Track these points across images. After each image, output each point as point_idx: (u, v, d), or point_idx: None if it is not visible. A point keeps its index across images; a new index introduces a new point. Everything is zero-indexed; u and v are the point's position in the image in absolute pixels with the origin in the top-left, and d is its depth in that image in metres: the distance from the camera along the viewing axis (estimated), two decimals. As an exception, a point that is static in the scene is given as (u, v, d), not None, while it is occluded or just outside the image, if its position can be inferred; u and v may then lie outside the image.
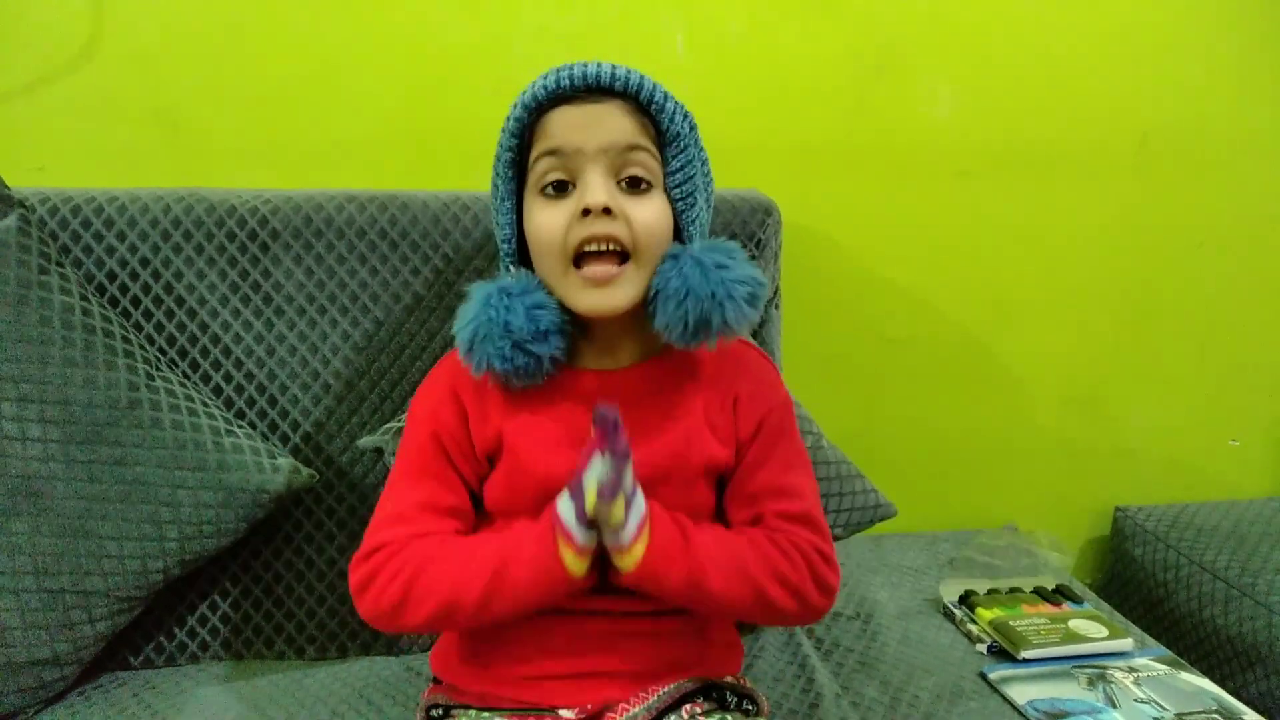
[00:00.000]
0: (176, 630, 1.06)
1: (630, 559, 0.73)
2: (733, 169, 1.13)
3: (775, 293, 1.24)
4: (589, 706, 0.80)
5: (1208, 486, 1.61)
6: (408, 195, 1.12)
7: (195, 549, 0.98)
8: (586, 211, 0.74)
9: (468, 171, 1.14)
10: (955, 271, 1.46)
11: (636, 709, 0.79)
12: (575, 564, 0.73)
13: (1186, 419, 1.59)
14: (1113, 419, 1.57)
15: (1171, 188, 1.48)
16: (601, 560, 0.76)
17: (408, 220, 1.10)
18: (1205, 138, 1.47)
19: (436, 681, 0.89)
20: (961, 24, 1.37)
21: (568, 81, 0.75)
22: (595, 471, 0.70)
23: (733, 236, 1.16)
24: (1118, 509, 1.57)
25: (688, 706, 0.83)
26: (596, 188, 0.75)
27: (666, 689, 0.82)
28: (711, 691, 0.86)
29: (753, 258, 0.80)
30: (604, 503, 0.70)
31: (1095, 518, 1.62)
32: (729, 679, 0.87)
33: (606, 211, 0.75)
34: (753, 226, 1.18)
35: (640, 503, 0.73)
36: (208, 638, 1.06)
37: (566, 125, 0.75)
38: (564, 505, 0.73)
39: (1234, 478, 1.62)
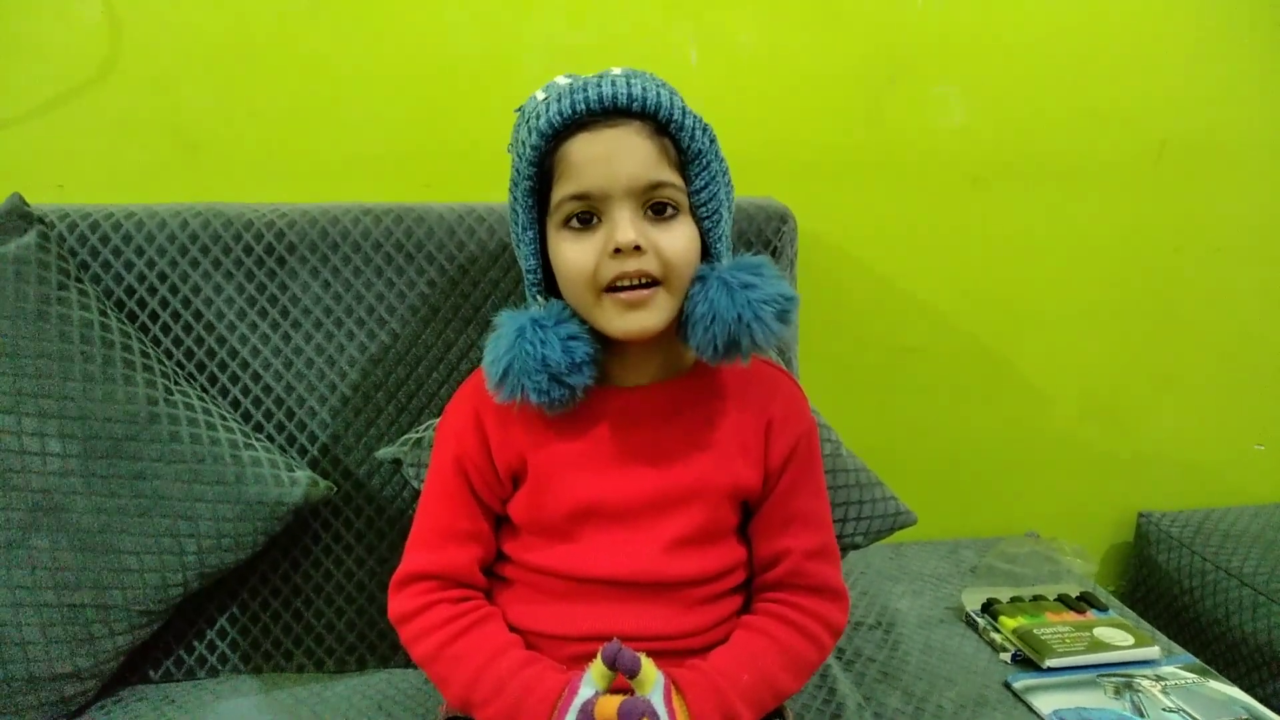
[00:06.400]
0: (196, 644, 1.06)
1: None
2: (747, 177, 1.12)
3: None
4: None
5: (1233, 491, 1.58)
6: (423, 207, 1.12)
7: (214, 562, 0.98)
8: (617, 250, 0.75)
9: (481, 183, 1.15)
10: (972, 279, 1.45)
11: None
12: None
13: (1209, 424, 1.57)
14: (1134, 425, 1.55)
15: (1190, 194, 1.47)
16: None
17: (423, 232, 1.10)
18: (1223, 144, 1.45)
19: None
20: (974, 32, 1.36)
21: (583, 106, 0.74)
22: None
23: (749, 245, 1.16)
24: (1141, 515, 1.56)
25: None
26: (625, 226, 0.74)
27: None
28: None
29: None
30: None
31: (1118, 524, 1.60)
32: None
33: (636, 248, 0.75)
34: (768, 234, 1.17)
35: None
36: (227, 651, 1.06)
37: (588, 160, 0.74)
38: None
39: (1259, 482, 1.60)
